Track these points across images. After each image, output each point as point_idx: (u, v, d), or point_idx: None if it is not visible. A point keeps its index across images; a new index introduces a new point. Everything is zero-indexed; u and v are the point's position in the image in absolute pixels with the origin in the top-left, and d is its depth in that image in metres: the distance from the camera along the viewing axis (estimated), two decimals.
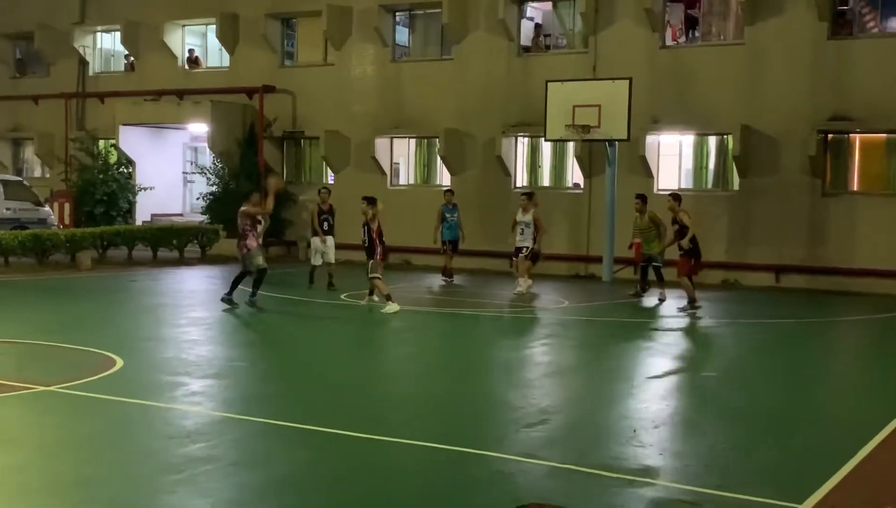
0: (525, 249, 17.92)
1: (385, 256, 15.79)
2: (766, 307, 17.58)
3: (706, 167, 22.40)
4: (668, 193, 17.17)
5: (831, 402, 10.19)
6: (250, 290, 15.37)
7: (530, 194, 18.75)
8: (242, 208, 15.31)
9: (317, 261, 18.31)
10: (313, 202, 19.35)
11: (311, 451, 7.53)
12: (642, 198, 18.47)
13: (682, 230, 15.73)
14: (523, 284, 17.85)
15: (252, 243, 15.27)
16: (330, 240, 18.27)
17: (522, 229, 18.07)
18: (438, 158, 24.82)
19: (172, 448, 7.41)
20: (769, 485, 6.75)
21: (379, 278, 15.41)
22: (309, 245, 18.78)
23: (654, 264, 17.55)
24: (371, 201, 15.62)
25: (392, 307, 15.12)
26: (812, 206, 20.61)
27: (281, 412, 8.64)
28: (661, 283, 17.51)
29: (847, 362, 13.05)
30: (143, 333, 13.46)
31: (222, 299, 15.35)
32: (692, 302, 15.78)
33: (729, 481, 6.81)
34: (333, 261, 18.43)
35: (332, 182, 26.44)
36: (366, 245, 15.51)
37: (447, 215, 20.06)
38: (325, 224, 18.16)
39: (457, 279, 20.28)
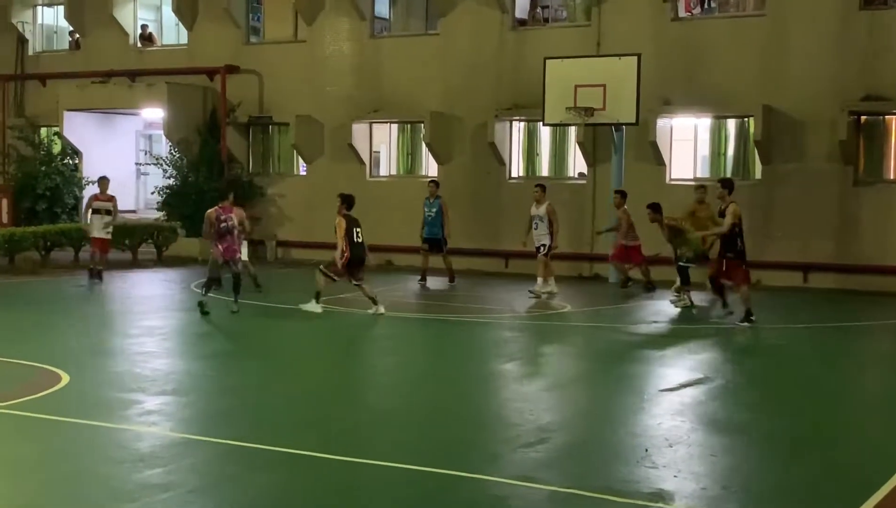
0: (543, 247, 18.41)
1: (345, 268, 15.59)
2: (793, 311, 17.64)
3: (724, 154, 22.44)
4: (718, 179, 16.72)
5: (865, 417, 10.22)
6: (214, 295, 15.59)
7: (543, 186, 19.21)
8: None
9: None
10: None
11: (279, 476, 7.52)
12: (622, 194, 19.21)
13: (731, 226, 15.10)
14: (552, 283, 18.43)
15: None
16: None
17: (536, 224, 18.40)
18: (424, 146, 24.82)
19: (125, 474, 7.39)
20: None
21: (325, 272, 15.71)
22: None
23: (678, 263, 17.33)
24: (345, 200, 15.83)
25: (312, 307, 15.64)
26: (843, 196, 20.66)
27: (246, 433, 8.63)
28: (689, 286, 17.30)
29: (882, 371, 13.08)
30: (92, 345, 13.42)
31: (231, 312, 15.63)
32: (749, 314, 15.18)
33: (751, 506, 6.82)
34: (246, 258, 18.40)
35: (304, 173, 26.48)
36: None
37: (425, 210, 20.18)
38: None
39: (442, 283, 20.24)
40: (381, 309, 15.67)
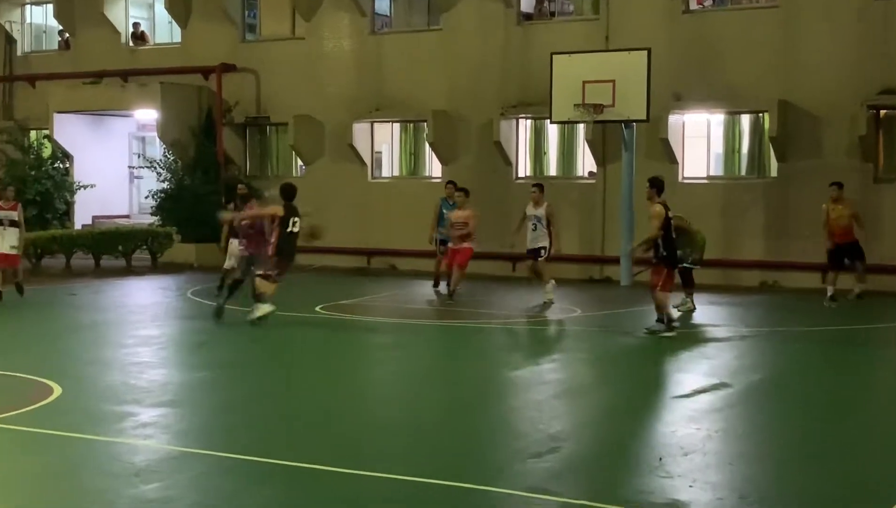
0: (543, 250, 18.09)
1: (276, 262, 15.40)
2: (811, 314, 17.60)
3: (739, 151, 22.45)
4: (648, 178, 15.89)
5: (886, 425, 10.19)
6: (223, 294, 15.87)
7: (542, 186, 18.80)
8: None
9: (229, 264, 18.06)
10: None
11: (282, 490, 7.51)
12: (465, 191, 19.35)
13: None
14: (550, 290, 18.05)
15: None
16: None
17: (535, 225, 18.07)
18: (427, 146, 24.84)
19: (120, 489, 7.39)
20: None
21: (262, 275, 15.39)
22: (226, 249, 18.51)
23: (682, 265, 17.27)
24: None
25: (262, 310, 15.12)
26: (862, 194, 20.61)
27: (247, 445, 8.62)
28: (691, 289, 17.26)
29: None
30: (85, 355, 13.43)
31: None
32: (670, 322, 14.63)
33: None
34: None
35: (303, 174, 26.50)
36: None
37: (443, 211, 19.86)
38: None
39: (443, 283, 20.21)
40: (257, 314, 15.21)
